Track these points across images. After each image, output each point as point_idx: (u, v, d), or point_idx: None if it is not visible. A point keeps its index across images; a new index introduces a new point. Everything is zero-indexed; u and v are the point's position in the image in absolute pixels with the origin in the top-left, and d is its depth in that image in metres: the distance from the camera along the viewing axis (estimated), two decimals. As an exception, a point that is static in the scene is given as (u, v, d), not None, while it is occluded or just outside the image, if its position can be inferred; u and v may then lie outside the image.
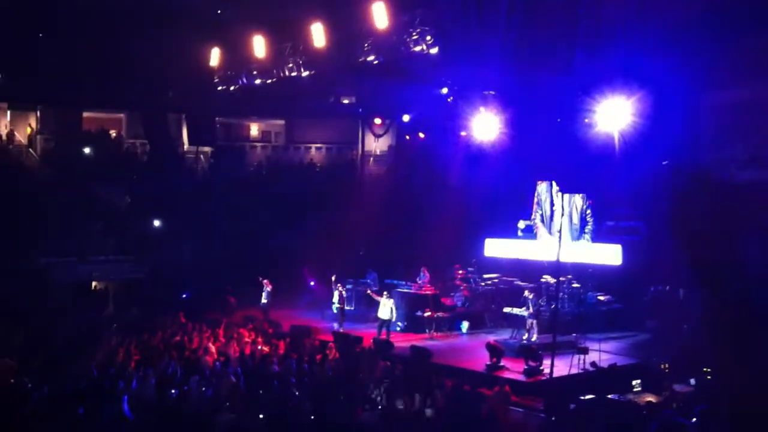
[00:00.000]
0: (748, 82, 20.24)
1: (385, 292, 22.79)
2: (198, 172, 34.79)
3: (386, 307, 22.09)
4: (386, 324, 22.02)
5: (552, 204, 25.15)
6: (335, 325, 23.33)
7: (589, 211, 24.32)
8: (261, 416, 12.41)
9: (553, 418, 13.61)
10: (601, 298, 23.29)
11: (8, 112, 34.38)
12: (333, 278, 24.14)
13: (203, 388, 14.50)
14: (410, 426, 12.34)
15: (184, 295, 23.39)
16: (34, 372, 15.56)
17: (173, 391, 14.35)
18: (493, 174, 27.74)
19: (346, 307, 24.63)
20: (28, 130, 34.45)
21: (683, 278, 21.75)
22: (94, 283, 29.15)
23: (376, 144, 36.76)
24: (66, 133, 34.42)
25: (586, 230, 24.25)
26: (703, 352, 17.46)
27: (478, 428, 12.69)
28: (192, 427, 11.87)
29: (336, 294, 23.61)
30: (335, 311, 23.80)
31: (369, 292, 24.05)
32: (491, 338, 20.06)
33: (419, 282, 24.64)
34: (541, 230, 25.46)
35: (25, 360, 16.64)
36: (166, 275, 27.68)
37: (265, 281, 24.77)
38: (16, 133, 34.15)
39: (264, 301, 24.78)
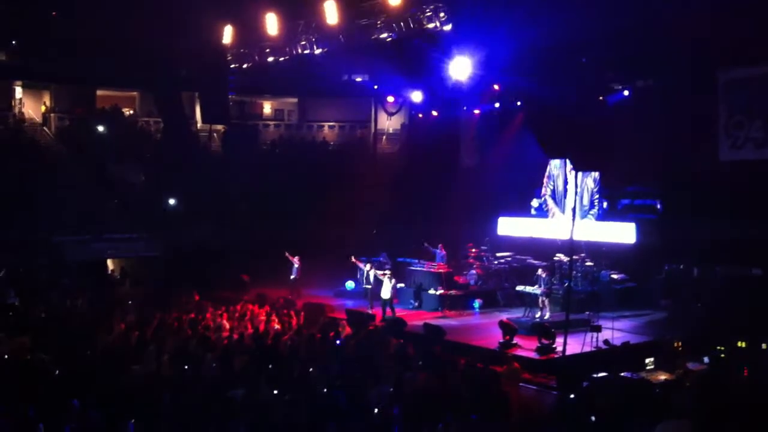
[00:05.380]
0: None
1: (387, 271, 22.82)
2: (212, 151, 34.81)
3: (386, 287, 22.15)
4: (387, 303, 22.09)
5: (565, 182, 25.04)
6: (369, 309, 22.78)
7: (597, 196, 24.23)
8: (276, 392, 12.49)
9: (566, 396, 13.65)
10: (615, 276, 23.24)
11: (22, 90, 34.44)
12: (352, 258, 24.21)
13: (214, 364, 14.63)
14: (422, 403, 12.39)
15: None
16: (52, 348, 15.73)
17: (187, 366, 14.48)
18: (506, 152, 27.71)
19: (365, 285, 24.74)
20: (42, 108, 34.55)
21: (698, 257, 21.71)
22: (108, 261, 29.34)
23: (389, 122, 36.63)
24: (80, 111, 34.50)
25: (591, 212, 24.16)
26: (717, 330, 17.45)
27: (491, 405, 12.74)
28: (207, 403, 11.96)
29: (370, 273, 23.56)
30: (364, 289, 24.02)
31: (374, 271, 24.02)
32: (504, 316, 20.07)
33: (437, 259, 24.70)
34: (552, 208, 25.39)
35: (43, 336, 16.85)
36: (180, 253, 27.78)
37: (295, 257, 24.91)
38: (30, 110, 34.25)
39: (293, 276, 24.94)
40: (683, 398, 13.00)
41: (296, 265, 24.98)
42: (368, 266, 23.83)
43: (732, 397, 12.87)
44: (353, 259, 24.11)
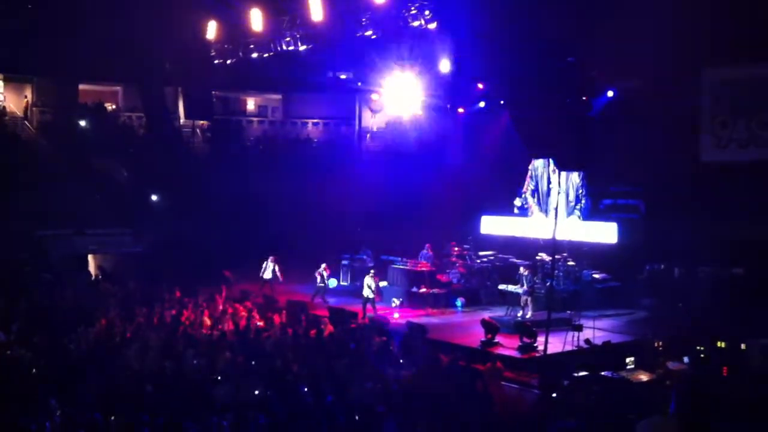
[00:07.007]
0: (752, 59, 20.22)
1: (371, 270, 22.88)
2: (195, 146, 34.66)
3: (366, 285, 22.21)
4: (368, 301, 22.14)
5: (549, 181, 25.12)
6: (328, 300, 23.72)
7: (582, 191, 24.32)
8: (257, 392, 12.47)
9: (547, 394, 13.71)
10: (597, 276, 23.34)
11: (3, 84, 34.11)
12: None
13: (195, 361, 14.58)
14: (406, 400, 12.41)
15: None
16: (34, 344, 15.64)
17: (168, 363, 14.42)
18: (490, 151, 27.78)
19: (342, 283, 24.93)
20: (24, 101, 34.26)
21: (679, 257, 21.85)
22: (90, 256, 29.15)
23: (373, 120, 36.64)
24: (62, 105, 34.22)
25: (578, 207, 24.26)
26: (698, 330, 17.57)
27: (473, 403, 12.78)
28: (189, 399, 11.92)
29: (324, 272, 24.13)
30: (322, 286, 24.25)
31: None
32: (486, 315, 20.11)
33: (422, 259, 24.77)
34: (533, 207, 25.48)
35: (25, 332, 16.74)
36: (163, 249, 27.66)
37: (270, 258, 24.83)
38: (11, 104, 33.94)
39: (269, 276, 24.84)
40: (663, 397, 13.11)
41: (274, 266, 24.81)
42: (323, 266, 24.11)
43: (711, 397, 12.98)
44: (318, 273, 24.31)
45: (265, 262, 24.70)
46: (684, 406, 12.45)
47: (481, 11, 19.92)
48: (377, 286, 22.41)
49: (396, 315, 22.23)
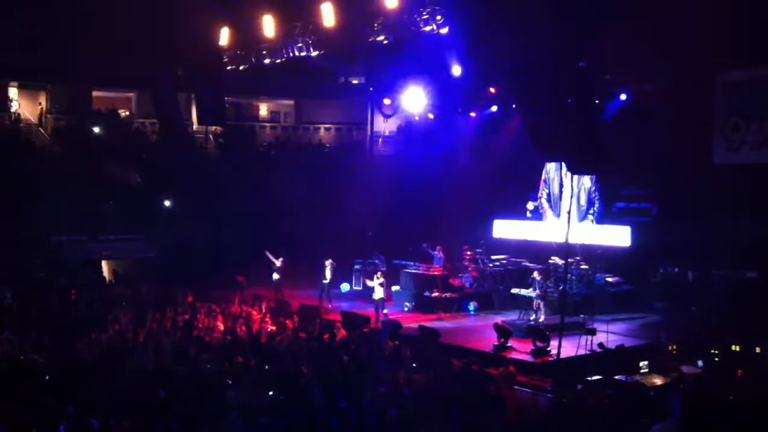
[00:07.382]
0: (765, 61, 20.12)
1: (378, 272, 22.94)
2: (208, 152, 34.77)
3: (377, 288, 22.34)
4: (378, 304, 22.26)
5: (561, 185, 25.08)
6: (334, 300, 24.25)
7: (595, 194, 24.26)
8: (270, 393, 12.49)
9: (560, 398, 13.67)
10: (610, 279, 23.28)
11: (18, 91, 34.35)
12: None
13: (209, 365, 14.63)
14: (419, 405, 12.40)
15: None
16: (46, 349, 15.73)
17: (181, 368, 14.47)
18: (501, 155, 27.76)
19: (355, 287, 24.97)
20: (39, 108, 34.48)
21: (693, 260, 21.76)
22: (104, 262, 29.31)
23: (385, 124, 36.64)
24: (76, 111, 34.43)
25: (591, 211, 24.20)
26: (712, 334, 17.49)
27: (485, 407, 12.75)
28: (202, 404, 11.95)
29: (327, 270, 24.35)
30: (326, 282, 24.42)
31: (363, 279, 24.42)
32: (499, 319, 20.08)
33: (435, 261, 24.80)
34: (547, 211, 25.44)
35: (38, 337, 16.84)
36: (176, 254, 27.77)
37: (279, 258, 24.89)
38: (26, 111, 34.16)
39: (278, 276, 24.92)
40: (674, 400, 13.02)
41: (277, 265, 24.88)
42: (328, 262, 24.26)
43: (724, 400, 12.89)
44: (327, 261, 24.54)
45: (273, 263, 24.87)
46: (686, 408, 12.37)
47: (493, 15, 19.91)
48: (384, 283, 22.45)
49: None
